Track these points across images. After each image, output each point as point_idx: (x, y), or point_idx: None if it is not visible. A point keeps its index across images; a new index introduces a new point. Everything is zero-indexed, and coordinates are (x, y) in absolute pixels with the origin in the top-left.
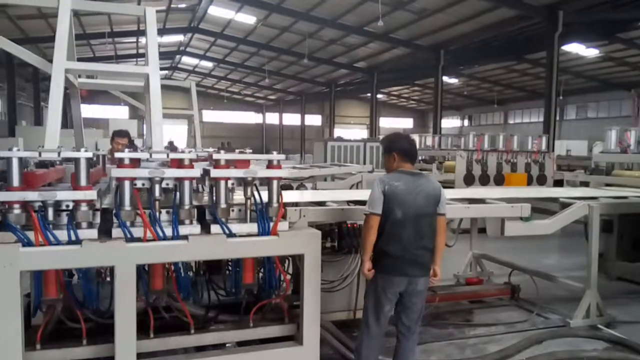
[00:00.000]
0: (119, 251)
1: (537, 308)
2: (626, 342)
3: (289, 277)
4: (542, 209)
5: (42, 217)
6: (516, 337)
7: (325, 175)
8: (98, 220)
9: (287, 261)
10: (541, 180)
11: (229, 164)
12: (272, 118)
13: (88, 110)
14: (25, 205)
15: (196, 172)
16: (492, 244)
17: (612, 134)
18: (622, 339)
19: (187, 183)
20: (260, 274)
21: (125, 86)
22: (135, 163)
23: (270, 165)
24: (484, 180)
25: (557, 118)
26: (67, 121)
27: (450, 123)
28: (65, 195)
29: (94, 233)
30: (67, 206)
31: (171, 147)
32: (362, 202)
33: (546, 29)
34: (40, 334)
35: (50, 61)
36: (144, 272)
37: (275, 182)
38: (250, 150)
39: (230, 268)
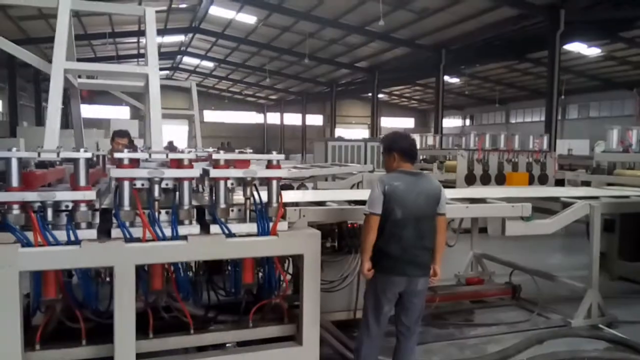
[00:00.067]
0: (118, 251)
1: (538, 308)
2: (628, 342)
3: (288, 277)
4: (543, 208)
5: (42, 218)
6: (517, 337)
7: (325, 175)
8: (97, 220)
9: (287, 261)
10: (543, 180)
11: (229, 164)
12: (273, 118)
13: (89, 111)
14: (25, 206)
15: (195, 172)
16: (494, 243)
17: (614, 133)
18: (624, 339)
19: (186, 183)
20: (260, 274)
21: (126, 86)
22: (135, 163)
23: (269, 165)
24: (485, 180)
25: (559, 117)
26: (67, 121)
27: (451, 123)
28: (65, 196)
29: (93, 233)
30: (67, 206)
31: (170, 147)
32: (362, 202)
33: (548, 28)
34: (40, 334)
35: (51, 62)
36: (143, 272)
37: (274, 182)
38: (251, 150)
39: (230, 268)
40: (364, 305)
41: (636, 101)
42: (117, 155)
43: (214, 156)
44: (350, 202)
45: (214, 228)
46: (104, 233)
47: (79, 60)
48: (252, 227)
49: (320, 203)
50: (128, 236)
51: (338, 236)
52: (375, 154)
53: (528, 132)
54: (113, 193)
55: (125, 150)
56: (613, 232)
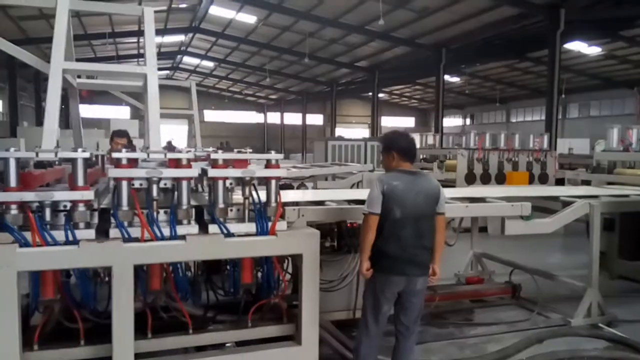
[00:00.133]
0: (116, 251)
1: (538, 307)
2: (627, 341)
3: (287, 277)
4: (544, 207)
5: (40, 218)
6: (517, 336)
7: (325, 174)
8: (96, 220)
9: (286, 261)
10: (543, 179)
11: (227, 163)
12: (273, 117)
13: (89, 111)
14: (23, 206)
15: (194, 172)
16: (494, 242)
17: (614, 132)
18: (624, 338)
19: (184, 183)
20: (259, 274)
21: (125, 86)
22: (133, 163)
23: (268, 164)
24: (485, 179)
25: (560, 116)
26: (67, 121)
27: (452, 122)
28: (63, 196)
29: (91, 233)
30: (65, 206)
31: (169, 147)
32: (362, 202)
33: (548, 27)
34: (38, 334)
35: (49, 62)
36: (142, 272)
37: (273, 182)
38: (250, 150)
39: (228, 268)
40: (363, 304)
41: (636, 100)
42: (115, 155)
43: (213, 156)
44: (349, 201)
45: (213, 228)
46: (103, 233)
47: (78, 60)
48: (251, 227)
49: (320, 202)
50: (126, 236)
51: (337, 236)
52: (375, 154)
53: (529, 131)
54: (111, 193)
55: (124, 150)
56: (613, 231)
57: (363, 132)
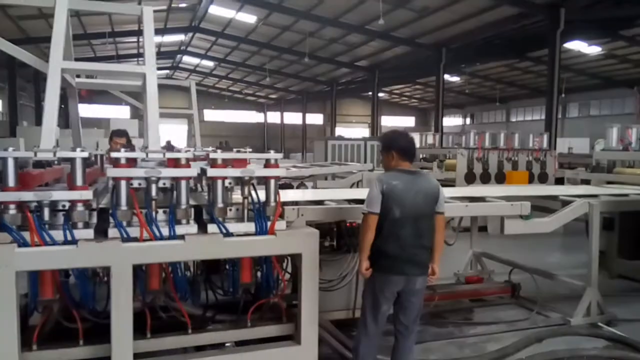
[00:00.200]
0: (115, 251)
1: (538, 306)
2: (627, 340)
3: (287, 276)
4: (543, 207)
5: (38, 218)
6: (516, 335)
7: (325, 174)
8: (95, 220)
9: (285, 260)
10: (542, 179)
11: (227, 163)
12: (273, 117)
13: (90, 110)
14: (21, 206)
15: (192, 171)
16: (493, 242)
17: (614, 131)
18: (623, 337)
19: (183, 183)
20: (259, 274)
21: (124, 86)
22: (132, 163)
23: (267, 164)
24: (485, 179)
25: (560, 116)
26: (67, 121)
27: (452, 121)
28: (61, 196)
29: (90, 233)
30: (64, 206)
31: (168, 146)
32: (361, 201)
33: (548, 27)
34: (37, 334)
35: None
36: (141, 272)
37: (272, 181)
38: (250, 150)
39: (228, 267)
40: (362, 304)
41: (636, 99)
42: (113, 154)
43: (211, 155)
44: (349, 201)
45: (212, 227)
46: (101, 233)
47: (78, 60)
48: (250, 227)
49: (319, 202)
50: (125, 236)
51: (337, 235)
52: (375, 153)
53: (529, 130)
54: (110, 193)
55: (122, 149)
56: (612, 231)
57: (363, 131)
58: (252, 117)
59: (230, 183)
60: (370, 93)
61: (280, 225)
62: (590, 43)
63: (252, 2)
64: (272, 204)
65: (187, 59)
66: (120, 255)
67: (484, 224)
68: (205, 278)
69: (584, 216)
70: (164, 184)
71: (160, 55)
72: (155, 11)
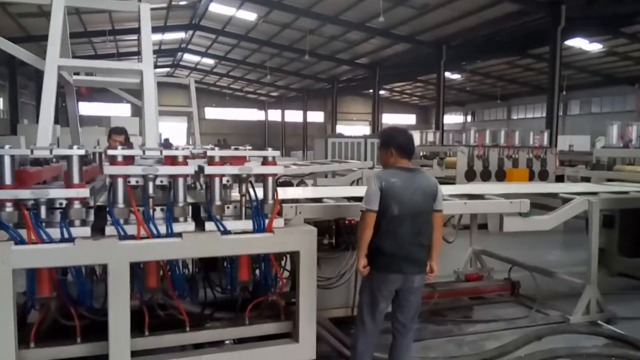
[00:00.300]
0: (112, 249)
1: (537, 304)
2: (626, 338)
3: (285, 274)
4: (543, 204)
5: (35, 215)
6: (515, 333)
7: (325, 171)
8: (92, 218)
9: (284, 258)
10: (543, 176)
11: (225, 161)
12: (274, 115)
13: (91, 108)
14: (18, 203)
15: (190, 169)
16: (493, 239)
17: (614, 128)
18: (622, 335)
19: (181, 180)
20: (257, 271)
21: (123, 83)
22: (129, 160)
23: (265, 162)
24: (485, 176)
25: (561, 113)
26: (68, 119)
27: (453, 119)
28: (58, 193)
29: (87, 231)
30: (61, 204)
31: (166, 144)
32: (360, 199)
33: (549, 24)
34: (35, 332)
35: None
36: (138, 270)
37: (270, 179)
38: (250, 147)
39: (226, 265)
40: (360, 302)
41: (637, 97)
42: (110, 152)
43: (209, 153)
44: (348, 198)
45: (209, 225)
46: (98, 231)
47: (78, 57)
48: (248, 224)
49: (318, 200)
50: (122, 233)
51: (335, 233)
52: (375, 151)
53: (530, 128)
54: (107, 190)
55: (120, 147)
56: (612, 228)
57: (364, 129)
58: (253, 115)
59: (228, 181)
60: (371, 91)
61: (278, 222)
62: (591, 40)
63: (252, 0)
64: (270, 201)
65: (187, 56)
66: (117, 252)
67: (484, 222)
68: (204, 276)
69: (584, 214)
70: (162, 181)
71: (160, 53)
72: (155, 9)
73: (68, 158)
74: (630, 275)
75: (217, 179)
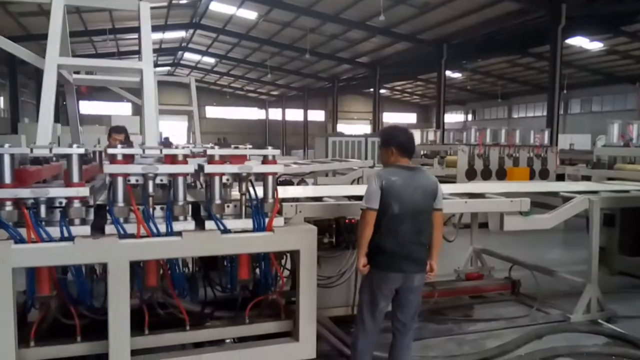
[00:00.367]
0: (112, 248)
1: (538, 303)
2: (627, 337)
3: (286, 273)
4: (544, 203)
5: (35, 214)
6: (516, 332)
7: (326, 170)
8: (92, 216)
9: (284, 257)
10: (544, 175)
11: (225, 159)
12: (275, 114)
13: (91, 107)
14: (18, 202)
15: (190, 168)
16: (494, 238)
17: (615, 127)
18: (623, 334)
19: (180, 179)
20: (257, 270)
21: (123, 82)
22: (129, 159)
23: (265, 160)
24: (486, 175)
25: (561, 112)
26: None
27: (454, 118)
28: (58, 192)
29: (86, 230)
30: (60, 203)
31: (166, 143)
32: (360, 198)
33: (549, 22)
34: (35, 331)
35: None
36: (138, 269)
37: (270, 178)
38: (250, 146)
39: (226, 264)
40: (360, 300)
41: (638, 95)
42: (110, 151)
43: (209, 152)
44: (349, 197)
45: (209, 224)
46: (98, 229)
47: (79, 56)
48: (248, 223)
49: (318, 199)
50: (122, 232)
51: (336, 232)
52: (375, 150)
53: (530, 127)
54: (107, 189)
55: (119, 145)
56: (613, 227)
57: (365, 128)
58: (253, 113)
59: (228, 179)
60: (371, 89)
61: (278, 221)
62: (592, 39)
63: None
64: (270, 200)
65: (188, 55)
66: (117, 251)
67: (484, 221)
68: (204, 275)
69: (584, 212)
70: (161, 180)
71: (161, 51)
72: (156, 7)
73: (68, 157)
74: (630, 274)
75: (217, 178)
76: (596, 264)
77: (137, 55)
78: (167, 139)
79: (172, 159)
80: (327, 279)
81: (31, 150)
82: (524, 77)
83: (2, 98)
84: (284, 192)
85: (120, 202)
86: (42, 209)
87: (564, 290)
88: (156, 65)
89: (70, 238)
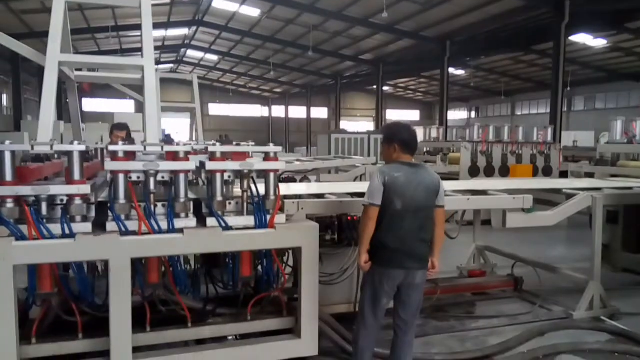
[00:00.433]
0: (113, 245)
1: (540, 300)
2: (629, 334)
3: (289, 270)
4: (547, 200)
5: (36, 211)
6: (518, 329)
7: (328, 167)
8: (93, 214)
9: (286, 254)
10: (547, 172)
11: (227, 156)
12: (278, 111)
13: (94, 104)
14: (19, 200)
15: (191, 165)
16: (496, 235)
17: (618, 124)
18: (626, 331)
19: (182, 176)
20: (259, 267)
21: (124, 79)
22: (131, 156)
23: (267, 157)
24: (489, 172)
25: (565, 109)
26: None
27: (457, 115)
28: (59, 190)
29: (87, 227)
30: (62, 200)
31: (167, 140)
32: (363, 194)
33: (553, 20)
34: (36, 328)
35: None
36: (140, 266)
37: (272, 175)
38: (253, 144)
39: (228, 261)
40: (361, 297)
41: None
42: (111, 148)
43: (210, 149)
44: (351, 194)
45: (211, 221)
46: (100, 226)
47: (81, 54)
48: (250, 220)
49: (320, 196)
50: (123, 229)
51: (338, 229)
52: (378, 147)
53: (534, 124)
54: (109, 186)
55: (121, 142)
56: (616, 224)
57: (368, 125)
58: (257, 111)
59: (229, 176)
60: (374, 87)
61: (280, 218)
62: (595, 36)
63: None
64: (272, 197)
65: (191, 52)
66: (118, 248)
67: (487, 218)
68: (206, 272)
69: (587, 209)
70: (163, 177)
71: (164, 49)
72: (158, 5)
73: (69, 154)
74: (633, 271)
75: (218, 175)
76: (599, 261)
77: (140, 53)
78: (168, 135)
79: (173, 156)
80: (329, 276)
81: (32, 147)
82: (528, 74)
83: (5, 95)
84: (286, 189)
85: (122, 199)
86: (44, 206)
87: (566, 287)
88: (159, 62)
89: (72, 235)
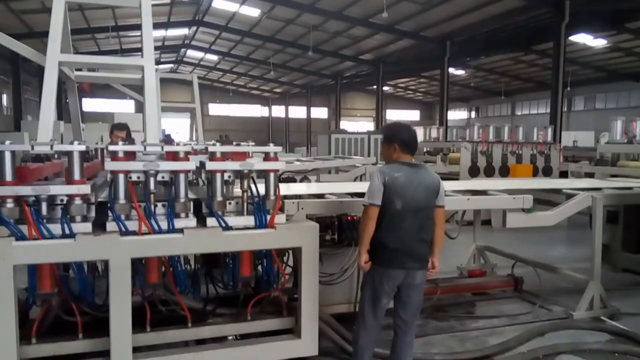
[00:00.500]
0: (113, 245)
1: (540, 300)
2: (629, 334)
3: (289, 270)
4: (547, 200)
5: (36, 211)
6: (518, 329)
7: (328, 167)
8: (93, 214)
9: (286, 254)
10: (547, 172)
11: (227, 156)
12: (278, 111)
13: (94, 104)
14: (19, 200)
15: (191, 165)
16: (497, 235)
17: (618, 124)
18: (626, 331)
19: (182, 176)
20: (259, 267)
21: (124, 79)
22: (131, 156)
23: (267, 157)
24: (489, 172)
25: (565, 109)
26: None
27: (457, 115)
28: (59, 190)
29: (87, 227)
30: (62, 200)
31: (167, 140)
32: (363, 194)
33: (553, 20)
34: (36, 328)
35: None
36: (140, 266)
37: (272, 175)
38: (253, 144)
39: (228, 261)
40: (361, 297)
41: None
42: (111, 148)
43: (210, 149)
44: (351, 194)
45: (211, 221)
46: (100, 226)
47: (81, 54)
48: (250, 220)
49: (320, 196)
50: (123, 229)
51: (338, 229)
52: (378, 147)
53: (534, 124)
54: (109, 186)
55: (121, 142)
56: (616, 224)
57: (368, 125)
58: (257, 111)
59: (229, 176)
60: (374, 87)
61: (280, 218)
62: (595, 36)
63: None
64: (272, 197)
65: (191, 52)
66: (118, 248)
67: (487, 218)
68: (206, 272)
69: (587, 209)
70: (163, 177)
71: (164, 49)
72: (158, 5)
73: (69, 154)
74: (634, 271)
75: (218, 175)
76: (599, 261)
77: (140, 53)
78: (168, 135)
79: (173, 156)
80: (329, 276)
81: (32, 147)
82: (528, 74)
83: (5, 95)
84: (286, 189)
85: (122, 199)
86: (44, 206)
87: (566, 287)
88: (159, 62)
89: (72, 235)
